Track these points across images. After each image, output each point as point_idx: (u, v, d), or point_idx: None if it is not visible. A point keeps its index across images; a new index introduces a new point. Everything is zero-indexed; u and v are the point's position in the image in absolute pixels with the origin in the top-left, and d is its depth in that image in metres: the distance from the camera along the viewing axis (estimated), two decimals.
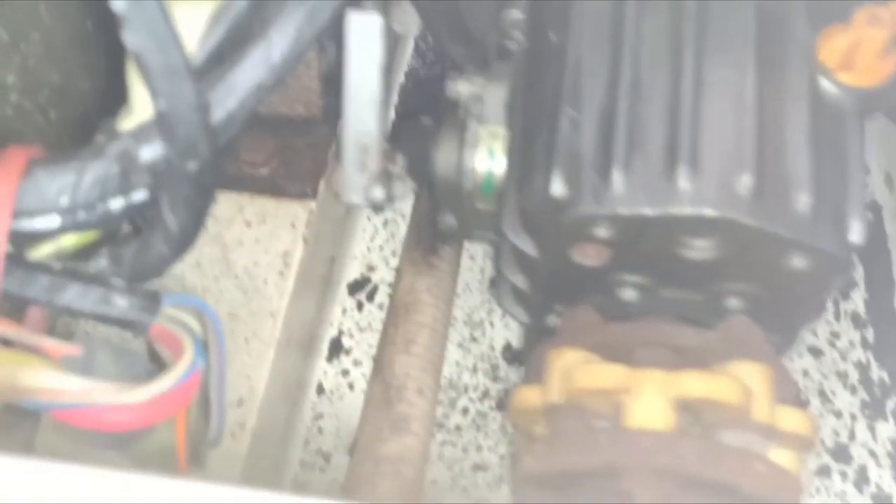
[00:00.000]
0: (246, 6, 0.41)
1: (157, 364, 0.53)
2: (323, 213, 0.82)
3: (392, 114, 1.02)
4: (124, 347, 0.56)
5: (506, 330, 0.95)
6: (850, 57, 0.61)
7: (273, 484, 0.79)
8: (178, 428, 0.51)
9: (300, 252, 0.76)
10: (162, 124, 0.41)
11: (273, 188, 0.80)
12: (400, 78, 1.16)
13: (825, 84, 0.63)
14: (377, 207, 0.76)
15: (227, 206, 0.76)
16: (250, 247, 0.76)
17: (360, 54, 0.66)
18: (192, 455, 0.56)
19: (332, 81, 0.76)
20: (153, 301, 0.51)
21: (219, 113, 0.42)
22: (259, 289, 0.74)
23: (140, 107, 0.46)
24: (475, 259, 1.00)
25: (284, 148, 0.83)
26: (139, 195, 0.44)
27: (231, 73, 0.41)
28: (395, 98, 1.10)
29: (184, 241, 0.48)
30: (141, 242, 0.48)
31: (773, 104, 0.61)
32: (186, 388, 0.50)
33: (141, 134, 0.43)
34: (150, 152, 0.43)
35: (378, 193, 0.73)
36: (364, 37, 0.65)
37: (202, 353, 0.51)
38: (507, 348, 0.93)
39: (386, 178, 0.74)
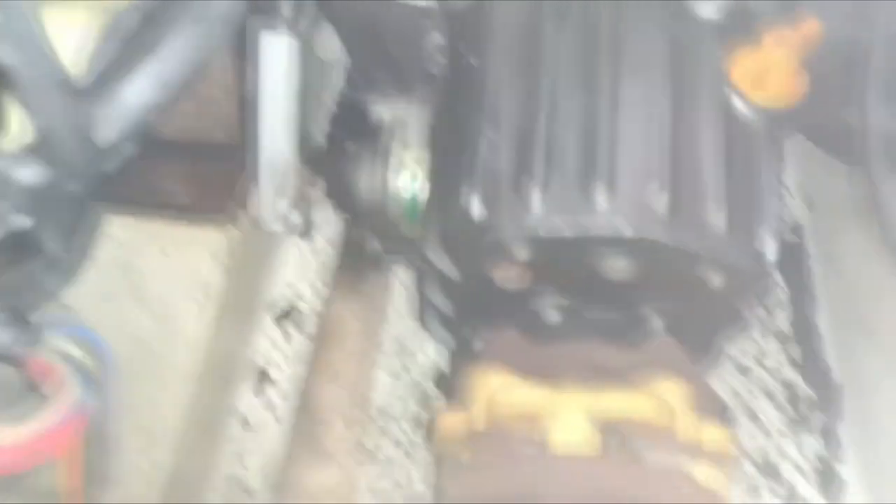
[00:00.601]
0: (138, 23, 0.39)
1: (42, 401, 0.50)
2: (246, 241, 0.80)
3: (322, 140, 1.01)
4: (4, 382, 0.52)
5: (438, 357, 0.93)
6: (761, 78, 0.62)
7: None
8: (68, 470, 0.48)
9: (220, 281, 0.74)
10: (41, 144, 0.39)
11: (192, 216, 0.78)
12: (330, 104, 1.16)
13: (738, 104, 0.64)
14: (296, 233, 0.74)
15: (141, 234, 0.74)
16: (166, 276, 0.73)
17: (272, 75, 0.64)
18: (94, 495, 0.53)
19: (253, 106, 0.75)
20: (32, 332, 0.47)
21: (106, 132, 0.40)
22: (175, 318, 0.71)
23: (18, 127, 0.43)
24: (405, 285, 0.98)
25: (204, 174, 0.81)
26: (18, 221, 0.42)
27: (121, 91, 0.39)
28: (325, 125, 1.09)
29: (68, 269, 0.45)
30: (21, 272, 0.45)
31: (688, 124, 0.61)
32: (66, 426, 0.46)
33: (19, 155, 0.41)
34: (29, 175, 0.40)
35: (296, 218, 0.71)
36: (276, 57, 0.64)
37: (91, 388, 0.48)
38: (438, 375, 0.92)
39: (305, 203, 0.73)
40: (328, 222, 0.80)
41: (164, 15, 0.39)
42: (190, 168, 0.81)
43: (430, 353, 0.93)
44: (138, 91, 0.39)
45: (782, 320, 0.96)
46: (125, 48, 0.39)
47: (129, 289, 0.71)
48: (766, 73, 0.61)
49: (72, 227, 0.43)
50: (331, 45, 0.87)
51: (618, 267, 0.60)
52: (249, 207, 0.76)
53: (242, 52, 0.68)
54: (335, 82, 1.14)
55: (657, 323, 0.65)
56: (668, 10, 0.66)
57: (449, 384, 0.88)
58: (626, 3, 0.66)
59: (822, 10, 0.64)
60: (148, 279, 0.72)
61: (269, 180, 0.71)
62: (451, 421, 0.64)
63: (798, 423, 0.88)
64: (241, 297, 0.83)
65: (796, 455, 0.86)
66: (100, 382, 0.49)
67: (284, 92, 0.68)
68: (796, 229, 1.04)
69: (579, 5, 0.66)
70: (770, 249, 0.59)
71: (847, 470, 0.85)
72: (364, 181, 0.74)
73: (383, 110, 0.74)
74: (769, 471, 0.86)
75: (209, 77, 0.75)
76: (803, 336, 0.95)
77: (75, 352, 0.49)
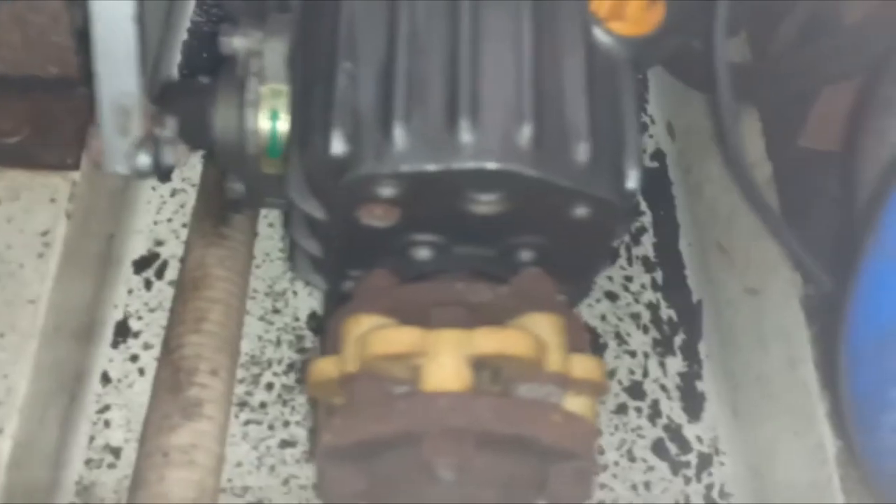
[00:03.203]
0: None
1: None
2: (92, 185, 0.74)
3: (175, 73, 0.94)
4: None
5: (310, 299, 0.91)
6: (618, 7, 0.62)
7: (49, 491, 0.71)
8: None
9: (63, 229, 0.68)
10: None
11: (27, 159, 0.71)
12: (182, 35, 1.08)
13: (599, 34, 0.63)
14: (147, 176, 0.69)
15: None
16: (1, 227, 0.67)
17: (106, 3, 0.58)
18: None
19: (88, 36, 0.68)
20: None
21: None
22: (14, 274, 0.65)
23: None
24: (275, 226, 0.95)
25: (39, 113, 0.73)
26: None
27: None
28: (177, 57, 1.02)
29: None
30: None
31: (550, 55, 0.61)
32: None
33: None
34: None
35: (143, 161, 0.66)
36: None
37: None
38: (313, 317, 0.90)
39: (153, 143, 0.67)
40: (187, 163, 0.74)
41: None
42: (21, 106, 0.74)
43: (302, 294, 0.90)
44: None
45: (647, 245, 0.99)
46: None
47: None
48: (623, 1, 0.61)
49: None
50: None
51: (485, 202, 0.59)
52: (91, 149, 0.70)
53: None
54: (185, 9, 1.06)
55: (527, 256, 0.65)
56: None
57: (322, 327, 0.87)
58: None
59: None
60: None
61: (111, 120, 0.65)
62: (323, 364, 0.62)
63: (661, 343, 0.93)
64: (90, 247, 0.77)
65: (659, 374, 0.91)
66: None
67: (122, 21, 0.61)
68: (659, 156, 1.07)
69: None
70: (633, 180, 0.60)
71: (706, 385, 0.90)
72: (220, 118, 0.70)
73: (238, 41, 0.69)
74: (635, 390, 0.90)
75: (35, 2, 0.67)
76: (665, 260, 0.98)
77: None
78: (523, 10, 0.60)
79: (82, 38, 0.69)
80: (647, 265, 0.98)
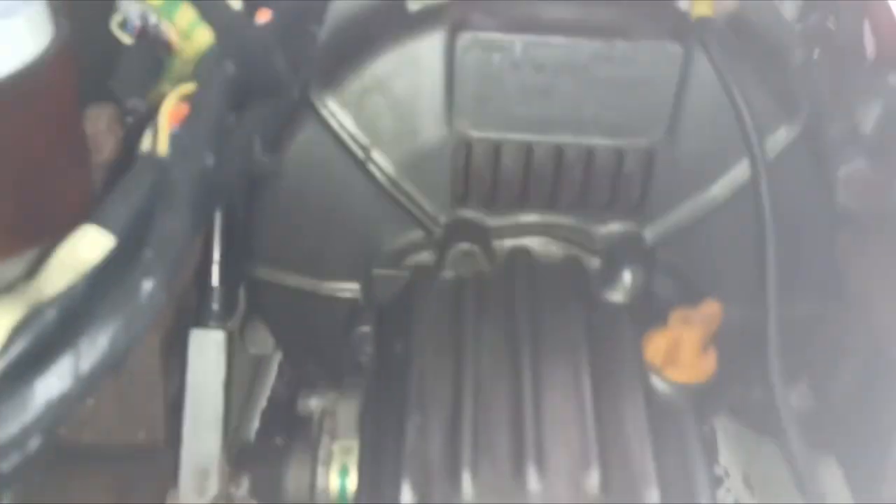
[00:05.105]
0: (54, 315, 0.40)
1: None
2: None
3: (250, 437, 0.99)
4: None
5: None
6: (672, 355, 0.65)
7: None
8: None
9: None
10: None
11: None
12: (262, 401, 1.15)
13: (657, 383, 0.66)
14: None
15: None
16: None
17: (201, 371, 0.65)
18: None
19: (180, 406, 0.74)
20: None
21: (11, 428, 0.38)
22: None
23: None
24: None
25: (123, 480, 0.76)
26: None
27: (29, 384, 0.39)
28: (255, 422, 1.07)
29: None
30: None
31: (611, 403, 0.63)
32: None
33: None
34: None
35: None
36: (206, 353, 0.65)
37: None
38: None
39: (228, 502, 0.69)
40: None
41: (82, 305, 0.40)
42: (111, 475, 0.77)
43: None
44: (48, 383, 0.38)
45: None
46: (40, 342, 0.39)
47: None
48: (675, 350, 0.65)
49: None
50: (262, 338, 0.89)
51: None
52: None
53: (169, 349, 0.69)
54: (266, 377, 1.14)
55: None
56: (580, 298, 0.71)
57: None
58: (542, 294, 0.71)
59: (721, 291, 0.70)
60: None
61: (191, 480, 0.68)
62: None
63: None
64: None
65: None
66: None
67: (213, 390, 0.67)
68: None
69: (498, 296, 0.71)
70: None
71: None
72: (292, 477, 0.72)
73: (313, 402, 0.74)
74: None
75: (132, 376, 0.74)
76: None
77: None
78: (581, 361, 0.64)
79: (173, 405, 0.75)
80: None
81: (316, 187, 0.75)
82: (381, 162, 0.73)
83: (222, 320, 0.67)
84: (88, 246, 0.42)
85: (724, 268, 0.76)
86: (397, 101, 0.72)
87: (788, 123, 0.71)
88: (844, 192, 0.73)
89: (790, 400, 0.74)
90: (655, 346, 0.66)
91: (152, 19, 0.55)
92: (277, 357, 1.10)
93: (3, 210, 0.48)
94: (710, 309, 0.67)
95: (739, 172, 0.72)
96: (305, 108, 0.71)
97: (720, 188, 0.73)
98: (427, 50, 0.71)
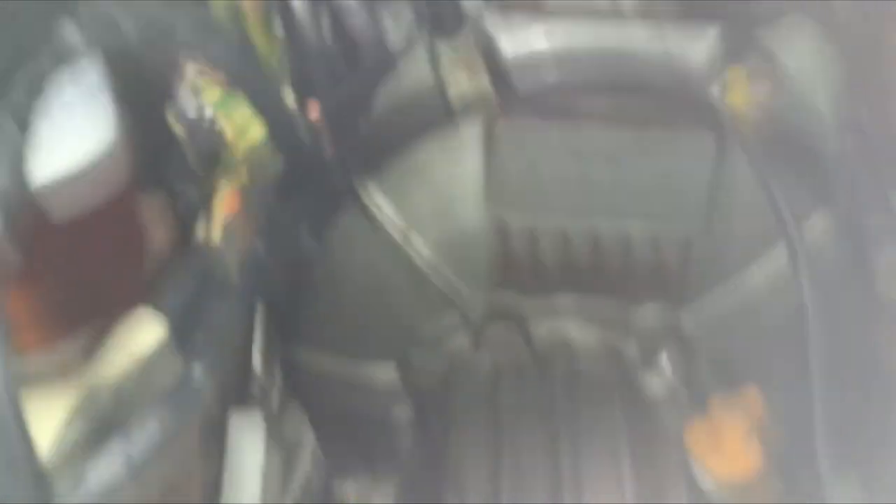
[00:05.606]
0: (108, 401, 0.40)
1: None
2: None
3: None
4: None
5: None
6: (715, 444, 0.64)
7: None
8: None
9: None
10: None
11: None
12: (296, 488, 1.13)
13: (702, 482, 0.64)
14: None
15: None
16: None
17: (240, 454, 0.65)
18: None
19: (218, 489, 0.74)
20: None
21: None
22: None
23: None
24: None
25: None
26: None
27: (84, 469, 0.39)
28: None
29: None
30: None
31: (653, 492, 0.62)
32: None
33: None
34: None
35: None
36: (246, 437, 0.65)
37: None
38: None
39: None
40: None
41: (136, 389, 0.41)
42: None
43: None
44: (102, 470, 0.39)
45: None
46: (92, 423, 0.40)
47: None
48: (718, 438, 0.64)
49: None
50: (299, 425, 0.89)
51: None
52: None
53: (209, 434, 0.69)
54: (303, 464, 1.13)
55: None
56: (619, 389, 0.70)
57: None
58: (579, 382, 0.71)
59: (761, 380, 0.69)
60: None
61: None
62: None
63: None
64: None
65: None
66: None
67: (251, 473, 0.67)
68: None
69: (537, 390, 0.70)
70: None
71: None
72: None
73: (350, 488, 0.73)
74: None
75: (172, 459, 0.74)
76: None
77: None
78: (621, 448, 0.63)
79: (212, 489, 0.74)
80: None
81: (356, 270, 0.76)
82: (419, 245, 0.75)
83: (262, 404, 0.68)
84: (144, 330, 0.43)
85: (763, 355, 0.76)
86: (436, 187, 0.74)
87: (823, 212, 0.72)
88: (885, 281, 0.73)
89: (839, 494, 0.71)
90: (697, 433, 0.64)
91: (208, 112, 0.58)
92: (312, 442, 1.09)
93: (62, 293, 0.50)
94: (751, 395, 0.66)
95: (777, 259, 0.72)
96: (348, 194, 0.73)
97: (758, 275, 0.73)
98: (466, 137, 0.73)
